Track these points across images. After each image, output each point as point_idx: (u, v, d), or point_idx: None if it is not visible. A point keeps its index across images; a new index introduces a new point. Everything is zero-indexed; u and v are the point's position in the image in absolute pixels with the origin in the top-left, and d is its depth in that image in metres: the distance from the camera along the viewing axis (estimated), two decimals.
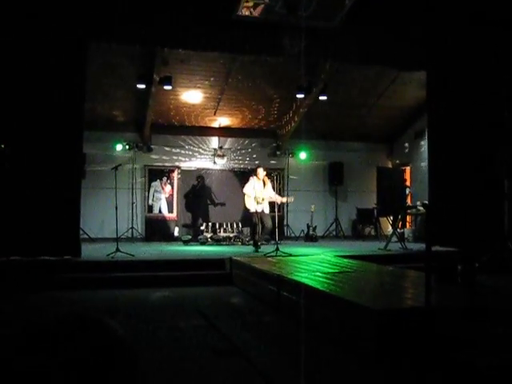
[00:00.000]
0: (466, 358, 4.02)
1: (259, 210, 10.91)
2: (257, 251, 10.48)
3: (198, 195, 15.02)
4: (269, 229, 11.08)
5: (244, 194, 11.18)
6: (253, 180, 10.96)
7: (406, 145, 16.17)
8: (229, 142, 15.66)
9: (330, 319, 5.17)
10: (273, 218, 10.82)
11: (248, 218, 12.16)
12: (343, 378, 4.06)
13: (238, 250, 11.23)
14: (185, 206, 14.99)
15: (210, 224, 13.61)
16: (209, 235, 13.31)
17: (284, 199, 11.27)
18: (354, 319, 4.72)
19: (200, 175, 15.15)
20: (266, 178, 11.12)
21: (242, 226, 13.92)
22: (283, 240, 13.57)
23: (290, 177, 15.57)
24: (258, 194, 10.80)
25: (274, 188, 12.01)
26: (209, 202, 15.11)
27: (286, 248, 10.46)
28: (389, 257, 10.25)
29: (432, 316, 4.33)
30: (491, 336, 4.42)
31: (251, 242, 11.48)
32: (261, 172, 11.05)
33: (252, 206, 10.91)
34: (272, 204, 11.23)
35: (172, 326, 5.63)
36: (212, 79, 13.21)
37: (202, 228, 13.58)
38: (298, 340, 4.60)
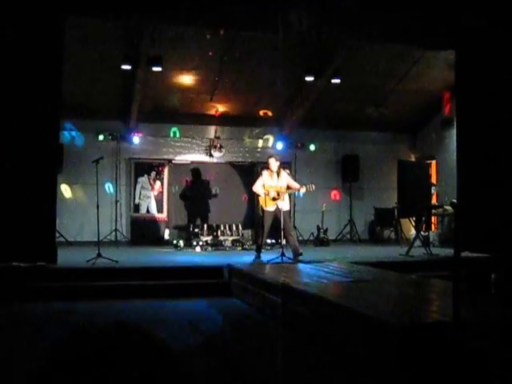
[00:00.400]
0: (500, 381, 4.00)
1: (272, 210, 10.41)
2: (258, 257, 10.45)
3: (195, 192, 15.00)
4: (292, 236, 10.54)
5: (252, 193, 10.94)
6: (264, 174, 10.63)
7: (435, 136, 16.13)
8: (227, 132, 15.64)
9: (344, 336, 5.16)
10: (277, 218, 10.50)
11: (256, 219, 12.00)
12: None
13: (238, 257, 11.22)
14: (185, 205, 14.88)
15: (205, 226, 13.59)
16: (204, 239, 13.30)
17: (303, 188, 10.68)
18: (372, 336, 4.71)
19: (195, 168, 15.13)
20: (282, 169, 10.75)
21: (243, 229, 13.90)
22: (289, 244, 13.56)
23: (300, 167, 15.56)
24: (272, 188, 10.44)
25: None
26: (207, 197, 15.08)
27: (291, 253, 10.45)
28: (411, 264, 10.23)
29: (461, 332, 4.32)
30: None
31: (254, 246, 11.43)
32: (273, 163, 10.57)
33: (266, 204, 10.55)
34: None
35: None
36: (208, 59, 13.18)
37: (197, 231, 13.57)
38: (307, 358, 4.59)
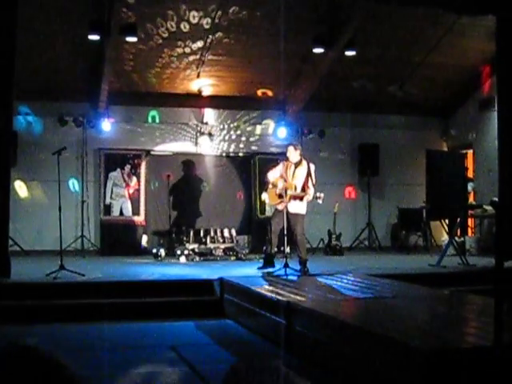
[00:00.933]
0: None
1: (280, 208, 10.38)
2: (268, 266, 10.43)
3: (184, 189, 15.02)
4: (301, 244, 10.53)
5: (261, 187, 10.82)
6: (280, 164, 10.65)
7: (471, 120, 16.15)
8: (217, 116, 15.64)
9: (361, 363, 5.17)
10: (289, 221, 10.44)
11: (253, 223, 11.95)
12: None
13: (232, 268, 11.22)
14: (172, 205, 14.84)
15: (191, 232, 13.59)
16: (190, 247, 13.31)
17: (309, 197, 10.42)
18: (396, 363, 4.72)
19: (187, 160, 15.09)
20: (304, 160, 10.55)
21: (237, 234, 13.91)
22: (295, 253, 13.57)
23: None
24: (283, 183, 10.33)
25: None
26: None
27: (298, 264, 10.46)
28: (443, 276, 10.25)
29: (504, 359, 4.33)
30: None
31: (251, 256, 11.44)
32: (292, 152, 10.53)
33: (273, 201, 10.55)
34: None
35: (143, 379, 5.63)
36: (193, 27, 13.18)
37: (182, 237, 13.58)
38: None
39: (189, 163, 15.25)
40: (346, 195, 16.27)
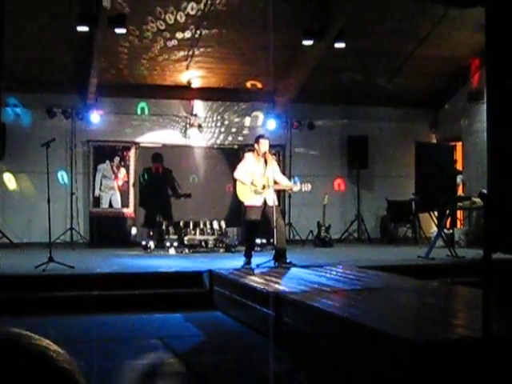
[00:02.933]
0: None
1: (259, 204, 10.24)
2: (248, 263, 10.44)
3: (153, 183, 15.02)
4: (282, 234, 10.41)
5: (235, 181, 10.65)
6: (249, 158, 10.50)
7: (460, 112, 16.18)
8: (207, 108, 15.62)
9: (350, 355, 5.18)
10: (264, 215, 10.39)
11: (242, 215, 11.86)
12: None
13: (221, 260, 11.22)
14: (139, 198, 14.94)
15: (180, 224, 13.60)
16: (180, 239, 13.30)
17: (297, 187, 10.58)
18: (385, 355, 4.73)
19: (156, 153, 15.11)
20: (270, 155, 10.53)
21: (227, 226, 13.90)
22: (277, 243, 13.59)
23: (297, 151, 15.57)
24: (259, 178, 10.29)
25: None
26: (170, 191, 15.09)
27: (288, 256, 10.46)
28: (432, 268, 10.28)
29: (492, 350, 4.34)
30: None
31: (241, 247, 11.43)
32: (263, 144, 10.36)
33: (248, 197, 10.42)
34: None
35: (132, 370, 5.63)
36: (183, 19, 13.14)
37: (163, 228, 13.57)
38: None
39: (178, 154, 15.24)
40: (335, 187, 16.27)
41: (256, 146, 10.44)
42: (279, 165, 12.04)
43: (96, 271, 9.56)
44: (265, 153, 10.32)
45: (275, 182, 10.41)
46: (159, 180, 15.18)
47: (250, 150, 10.82)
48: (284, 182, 10.65)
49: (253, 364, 5.95)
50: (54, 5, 12.26)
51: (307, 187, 10.53)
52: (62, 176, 14.56)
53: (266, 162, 10.33)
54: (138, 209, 14.95)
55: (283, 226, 10.61)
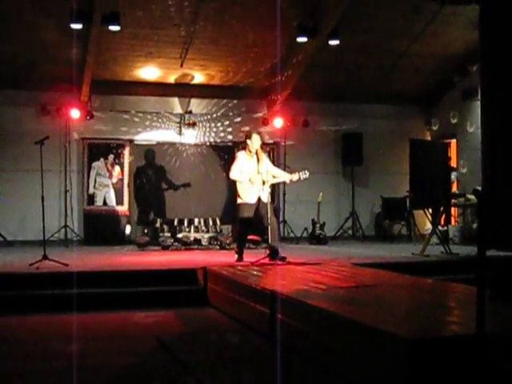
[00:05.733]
0: None
1: (253, 201, 10.19)
2: (240, 260, 10.44)
3: (145, 180, 15.02)
4: (275, 232, 10.28)
5: (234, 182, 10.50)
6: (241, 157, 10.34)
7: (455, 109, 16.18)
8: (202, 106, 15.62)
9: (344, 352, 5.18)
10: (257, 213, 10.33)
11: (237, 212, 11.79)
12: None
13: (215, 258, 11.22)
14: (134, 196, 14.97)
15: (175, 221, 13.59)
16: (174, 236, 13.29)
17: (295, 176, 10.38)
18: (379, 352, 4.73)
19: (149, 150, 15.11)
20: (261, 151, 10.39)
21: (222, 224, 13.90)
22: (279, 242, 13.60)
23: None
24: (254, 175, 10.18)
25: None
26: (165, 186, 15.10)
27: (282, 253, 10.46)
28: (427, 265, 10.29)
29: (486, 347, 4.35)
30: None
31: (235, 245, 11.42)
32: (256, 140, 10.27)
33: (248, 195, 10.28)
34: None
35: (124, 369, 5.62)
36: (177, 16, 13.12)
37: (157, 225, 13.56)
38: (300, 382, 4.62)
39: (172, 152, 15.23)
40: (329, 184, 16.26)
41: (248, 141, 10.34)
42: (273, 162, 11.98)
43: (90, 269, 9.54)
44: (257, 149, 10.28)
45: (273, 177, 10.43)
46: (152, 177, 15.18)
47: (243, 148, 10.68)
48: (281, 175, 10.62)
49: (247, 361, 5.94)
50: (47, 2, 12.22)
51: (305, 174, 10.39)
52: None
53: (258, 157, 10.28)
54: (132, 206, 14.94)
55: (276, 224, 10.57)
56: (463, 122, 15.75)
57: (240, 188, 10.28)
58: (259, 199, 10.16)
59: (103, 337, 6.90)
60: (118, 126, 15.07)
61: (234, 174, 10.34)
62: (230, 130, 15.78)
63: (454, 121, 16.06)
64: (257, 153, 10.27)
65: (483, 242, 4.49)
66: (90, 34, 12.66)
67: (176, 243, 13.25)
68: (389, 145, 16.45)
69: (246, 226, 10.57)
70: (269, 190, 10.35)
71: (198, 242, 13.37)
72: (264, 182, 10.15)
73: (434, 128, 16.84)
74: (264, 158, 10.39)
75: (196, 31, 13.54)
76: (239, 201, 10.30)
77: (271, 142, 15.72)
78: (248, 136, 10.48)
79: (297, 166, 15.12)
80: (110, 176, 14.91)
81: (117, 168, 14.94)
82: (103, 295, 8.56)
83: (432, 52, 14.90)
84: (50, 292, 8.51)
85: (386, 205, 16.09)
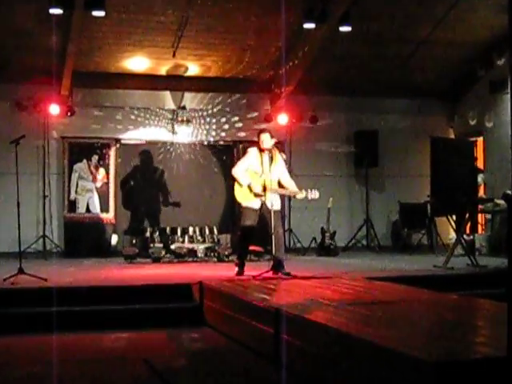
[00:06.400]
0: None
1: (256, 207, 10.20)
2: (241, 273, 10.43)
3: (142, 183, 15.03)
4: (281, 243, 10.32)
5: (234, 181, 10.50)
6: (252, 153, 10.35)
7: (481, 103, 16.18)
8: (196, 100, 15.61)
9: (359, 378, 5.16)
10: (262, 220, 10.30)
11: (237, 219, 11.81)
12: None
13: (213, 271, 11.22)
14: (122, 200, 14.97)
15: (167, 229, 13.58)
16: (166, 247, 13.28)
17: (301, 194, 10.28)
18: (400, 377, 4.71)
19: (145, 150, 15.11)
20: (277, 151, 10.43)
21: (220, 233, 13.88)
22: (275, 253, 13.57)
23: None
24: (256, 178, 10.29)
25: None
26: (160, 196, 15.13)
27: (288, 266, 10.46)
28: (450, 279, 10.28)
29: None
30: None
31: (235, 257, 11.41)
32: (266, 139, 10.30)
33: (246, 199, 10.31)
34: None
35: None
36: (169, 1, 13.13)
37: (147, 235, 13.55)
38: None
39: (164, 152, 15.24)
40: (341, 188, 16.25)
41: (261, 138, 10.39)
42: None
43: (71, 284, 9.52)
44: (270, 149, 10.27)
45: (280, 186, 10.37)
46: (149, 181, 15.18)
47: (249, 147, 10.70)
48: (290, 187, 10.43)
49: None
50: None
51: (314, 195, 10.32)
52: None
53: (271, 158, 10.25)
54: (119, 214, 14.92)
55: (282, 234, 10.55)
56: (490, 117, 15.73)
57: (237, 189, 10.28)
58: (262, 204, 10.13)
59: (85, 360, 6.88)
60: (103, 123, 15.06)
61: (237, 170, 10.34)
62: (228, 127, 15.77)
63: (481, 117, 16.05)
64: (271, 153, 10.25)
65: None
66: (72, 21, 12.66)
67: (168, 255, 13.23)
68: (407, 143, 16.44)
69: (248, 234, 10.54)
70: (277, 196, 10.27)
71: (193, 253, 13.35)
72: (265, 189, 10.10)
73: (458, 124, 16.84)
74: (279, 160, 10.33)
75: (190, 17, 13.54)
76: (244, 204, 10.28)
77: (274, 140, 15.67)
78: (257, 134, 10.57)
79: (303, 169, 15.20)
80: (94, 179, 14.90)
81: (101, 170, 14.93)
82: (86, 313, 8.54)
83: (455, 39, 14.90)
84: (27, 310, 8.49)
85: (405, 211, 16.08)
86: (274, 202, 10.05)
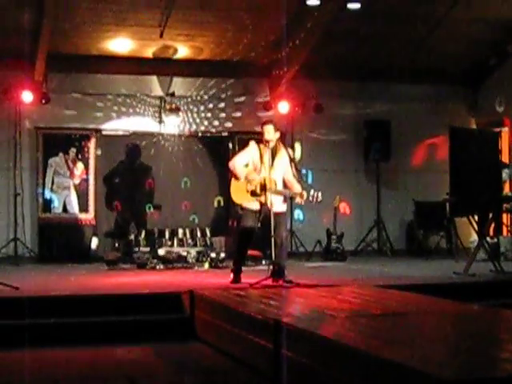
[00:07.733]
0: None
1: (255, 208, 10.21)
2: (237, 281, 10.45)
3: (128, 180, 15.05)
4: (284, 248, 10.41)
5: (230, 178, 10.51)
6: (252, 147, 10.34)
7: (506, 90, 16.19)
8: (187, 86, 15.62)
9: None
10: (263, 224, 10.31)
11: (234, 221, 11.84)
12: None
13: (205, 278, 11.24)
14: (105, 199, 14.98)
15: (155, 232, 13.59)
16: (153, 252, 13.30)
17: (302, 196, 10.20)
18: None
19: (133, 144, 15.12)
20: (282, 146, 10.45)
21: (213, 235, 13.89)
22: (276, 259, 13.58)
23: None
24: (254, 174, 10.27)
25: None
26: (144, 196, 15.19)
27: (289, 273, 10.46)
28: (472, 287, 10.27)
29: None
30: None
31: (230, 262, 11.42)
32: (270, 131, 10.30)
33: (244, 198, 10.29)
34: None
35: None
36: None
37: (131, 238, 13.56)
38: None
39: (149, 145, 15.26)
40: (349, 185, 16.27)
41: (262, 131, 10.38)
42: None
43: (46, 293, 9.52)
44: (274, 142, 10.26)
45: (284, 186, 10.37)
46: (135, 178, 15.20)
47: (240, 139, 10.73)
48: (292, 188, 10.41)
49: None
50: None
51: (316, 197, 10.32)
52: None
53: (275, 152, 10.24)
54: (99, 214, 14.92)
55: (285, 238, 10.56)
56: None
57: (234, 186, 10.29)
58: (262, 205, 10.12)
59: (60, 379, 6.87)
60: (82, 112, 15.07)
61: (234, 162, 10.40)
62: (222, 117, 15.77)
63: (506, 105, 16.07)
64: (276, 147, 10.24)
65: None
66: None
67: (155, 260, 13.23)
68: (423, 135, 16.46)
69: (247, 237, 10.53)
70: (280, 197, 10.27)
71: (182, 258, 13.37)
72: (264, 187, 10.09)
73: (481, 113, 16.85)
74: (283, 156, 10.29)
75: None
76: (244, 205, 10.28)
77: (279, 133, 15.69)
78: (263, 124, 10.55)
79: (307, 162, 15.20)
80: (72, 175, 14.90)
81: (80, 165, 14.94)
82: (62, 326, 8.54)
83: (477, 17, 14.90)
84: None
85: (421, 211, 16.10)
86: (274, 203, 10.07)
